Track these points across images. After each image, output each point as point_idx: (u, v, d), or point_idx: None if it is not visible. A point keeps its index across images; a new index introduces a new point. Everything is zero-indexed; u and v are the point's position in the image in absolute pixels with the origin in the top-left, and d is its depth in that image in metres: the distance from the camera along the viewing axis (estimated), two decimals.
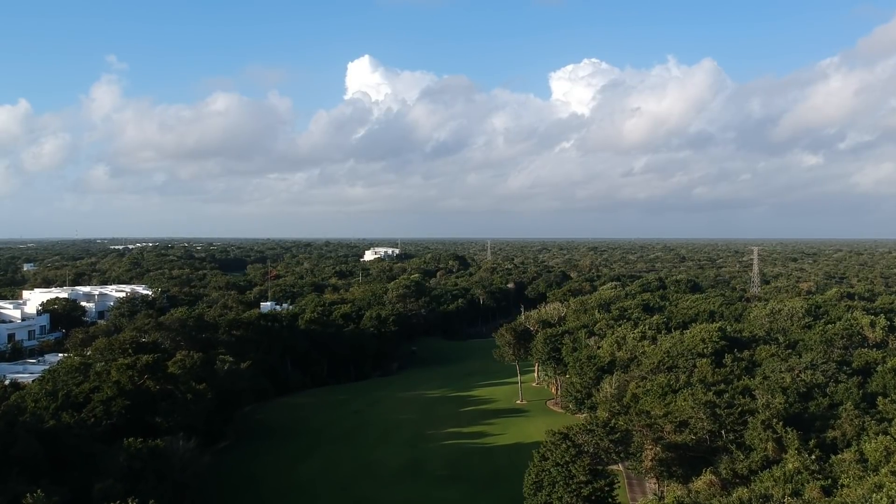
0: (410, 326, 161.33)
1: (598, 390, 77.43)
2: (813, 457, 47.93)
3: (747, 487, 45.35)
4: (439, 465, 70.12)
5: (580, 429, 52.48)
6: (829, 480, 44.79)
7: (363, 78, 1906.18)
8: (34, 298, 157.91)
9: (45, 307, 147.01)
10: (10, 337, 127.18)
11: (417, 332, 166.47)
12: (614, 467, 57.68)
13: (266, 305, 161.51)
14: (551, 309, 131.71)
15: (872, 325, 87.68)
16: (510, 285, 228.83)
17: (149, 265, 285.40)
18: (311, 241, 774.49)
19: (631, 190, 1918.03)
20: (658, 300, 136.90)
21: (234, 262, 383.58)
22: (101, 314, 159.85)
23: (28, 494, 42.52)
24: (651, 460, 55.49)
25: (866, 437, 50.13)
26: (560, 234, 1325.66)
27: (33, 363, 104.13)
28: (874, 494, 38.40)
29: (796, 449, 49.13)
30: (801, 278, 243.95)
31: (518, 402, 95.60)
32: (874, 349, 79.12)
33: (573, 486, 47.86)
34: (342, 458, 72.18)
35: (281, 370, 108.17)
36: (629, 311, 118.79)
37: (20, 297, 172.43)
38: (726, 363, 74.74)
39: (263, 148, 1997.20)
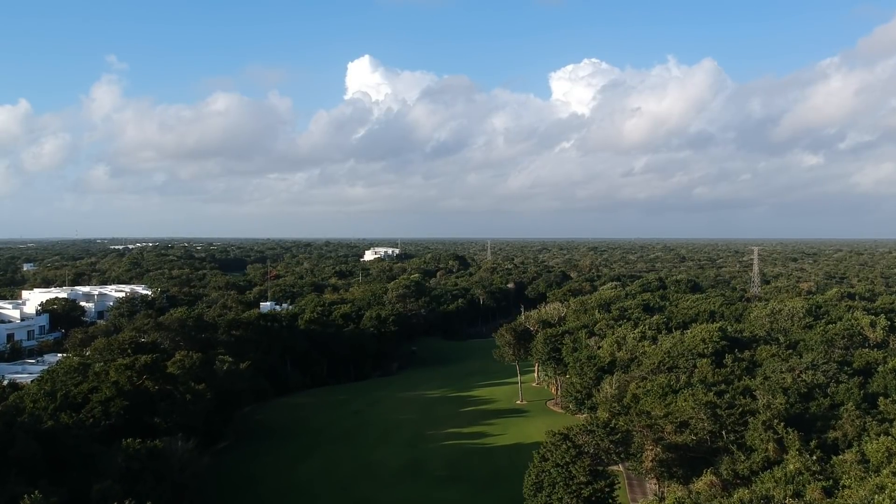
0: (410, 326, 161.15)
1: (598, 391, 77.22)
2: (814, 457, 47.78)
3: (748, 488, 45.21)
4: (439, 465, 69.96)
5: (580, 429, 52.31)
6: (831, 481, 44.64)
7: (363, 78, 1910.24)
8: (34, 298, 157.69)
9: (45, 307, 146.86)
10: (10, 337, 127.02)
11: (417, 332, 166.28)
12: (615, 468, 57.55)
13: (266, 305, 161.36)
14: (551, 309, 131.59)
15: (873, 325, 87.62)
16: (510, 285, 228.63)
17: (148, 265, 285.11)
18: (311, 241, 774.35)
19: (631, 190, 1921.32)
20: (658, 300, 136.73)
21: (233, 262, 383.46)
22: (100, 314, 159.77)
23: (26, 495, 42.27)
24: (651, 461, 55.35)
25: (867, 438, 49.98)
26: (560, 234, 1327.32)
27: (32, 363, 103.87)
28: (876, 495, 38.22)
29: (797, 449, 48.99)
30: (802, 278, 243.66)
31: (518, 402, 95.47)
32: (875, 349, 79.08)
33: (573, 487, 47.72)
34: (342, 459, 72.03)
35: (280, 370, 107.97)
36: (629, 312, 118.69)
37: (19, 297, 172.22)
38: (727, 363, 74.62)
39: (263, 148, 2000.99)
